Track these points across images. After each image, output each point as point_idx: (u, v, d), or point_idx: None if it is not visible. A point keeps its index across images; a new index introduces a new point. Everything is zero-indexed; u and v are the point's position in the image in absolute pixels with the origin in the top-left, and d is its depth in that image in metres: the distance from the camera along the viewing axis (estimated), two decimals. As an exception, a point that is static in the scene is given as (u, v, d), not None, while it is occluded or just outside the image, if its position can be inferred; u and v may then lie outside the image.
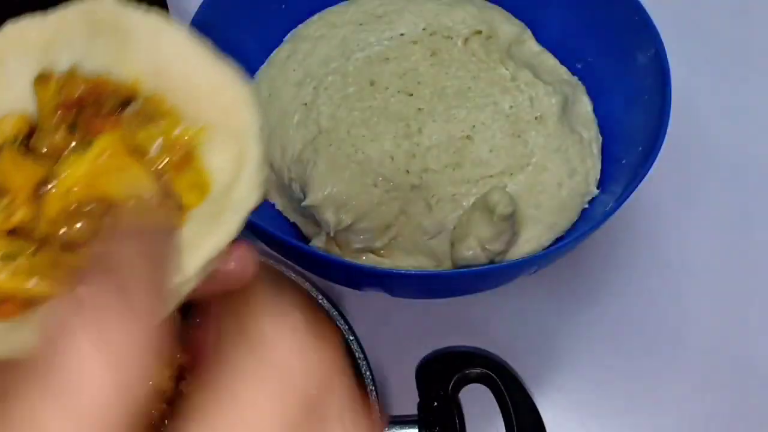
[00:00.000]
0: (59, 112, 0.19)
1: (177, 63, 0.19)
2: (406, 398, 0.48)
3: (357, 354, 0.47)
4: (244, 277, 0.23)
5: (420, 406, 0.47)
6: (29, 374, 0.19)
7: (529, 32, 0.60)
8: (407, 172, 0.52)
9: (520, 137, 0.54)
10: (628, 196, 0.48)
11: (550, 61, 0.59)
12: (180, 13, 0.61)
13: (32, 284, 0.18)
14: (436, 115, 0.54)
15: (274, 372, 0.23)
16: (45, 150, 0.19)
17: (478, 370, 0.47)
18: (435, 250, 0.52)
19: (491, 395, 0.47)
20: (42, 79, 0.19)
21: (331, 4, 0.61)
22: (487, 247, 0.49)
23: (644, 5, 0.54)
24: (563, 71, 0.59)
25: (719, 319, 0.59)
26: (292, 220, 0.56)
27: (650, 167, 0.48)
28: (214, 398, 0.22)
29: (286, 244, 0.47)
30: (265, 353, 0.23)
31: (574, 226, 0.54)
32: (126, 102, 0.19)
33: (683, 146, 0.63)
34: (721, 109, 0.66)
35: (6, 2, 0.68)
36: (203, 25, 0.54)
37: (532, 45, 0.59)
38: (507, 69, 0.56)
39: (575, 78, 0.59)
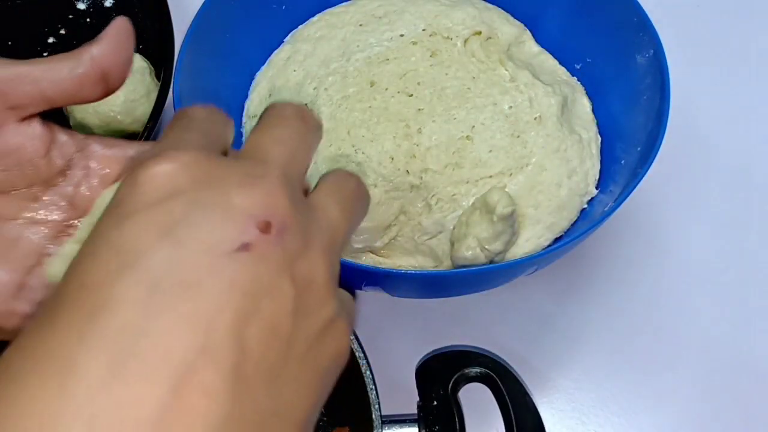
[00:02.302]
0: None
1: None
2: (406, 398, 0.48)
3: (357, 354, 0.47)
4: None
5: (420, 406, 0.47)
6: None
7: (528, 33, 0.60)
8: (407, 172, 0.52)
9: (519, 137, 0.54)
10: (627, 197, 0.48)
11: (549, 61, 0.59)
12: (180, 14, 0.61)
13: None
14: (435, 115, 0.54)
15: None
16: None
17: (478, 370, 0.47)
18: (435, 250, 0.52)
19: (491, 395, 0.47)
20: None
21: (331, 5, 0.61)
22: (486, 247, 0.49)
23: (643, 6, 0.54)
24: (562, 72, 0.59)
25: (719, 319, 0.59)
26: (292, 221, 0.56)
27: (649, 167, 0.48)
28: None
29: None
30: None
31: (574, 226, 0.54)
32: None
33: (682, 146, 0.63)
34: (719, 110, 0.67)
35: (6, 3, 0.68)
36: (204, 25, 0.54)
37: (531, 46, 0.60)
38: (506, 70, 0.56)
39: (574, 78, 0.59)
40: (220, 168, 0.24)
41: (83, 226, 0.31)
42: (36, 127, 0.30)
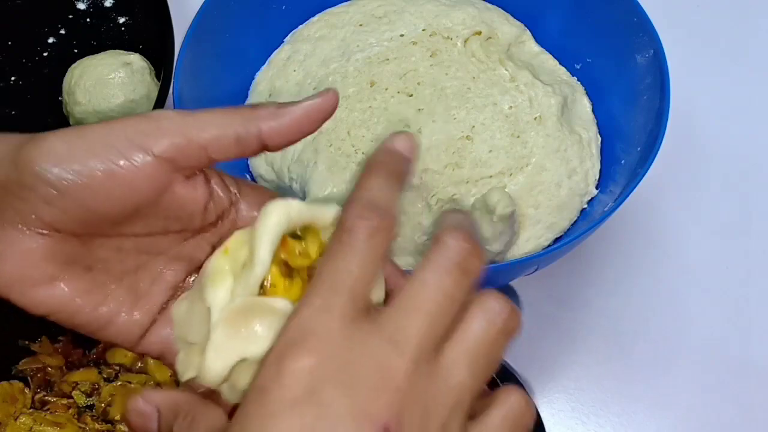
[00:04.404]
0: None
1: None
2: (406, 398, 0.48)
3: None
4: None
5: (420, 406, 0.47)
6: None
7: (528, 33, 0.60)
8: (407, 172, 0.52)
9: (519, 137, 0.54)
10: (627, 196, 0.48)
11: (549, 61, 0.59)
12: (181, 14, 0.61)
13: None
14: (435, 115, 0.54)
15: None
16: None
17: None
18: (435, 250, 0.52)
19: (491, 395, 0.47)
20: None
21: (331, 5, 0.61)
22: (486, 247, 0.49)
23: (643, 6, 0.54)
24: (562, 72, 0.59)
25: (719, 319, 0.59)
26: (292, 221, 0.56)
27: (649, 167, 0.48)
28: None
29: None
30: None
31: (574, 226, 0.54)
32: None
33: (682, 146, 0.63)
34: (719, 110, 0.67)
35: (6, 2, 0.68)
36: (204, 26, 0.54)
37: (531, 46, 0.60)
38: (506, 70, 0.56)
39: (574, 78, 0.59)
40: (355, 358, 0.25)
41: (195, 284, 0.32)
42: (199, 187, 0.32)
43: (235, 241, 0.31)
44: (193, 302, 0.31)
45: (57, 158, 0.29)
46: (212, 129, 0.30)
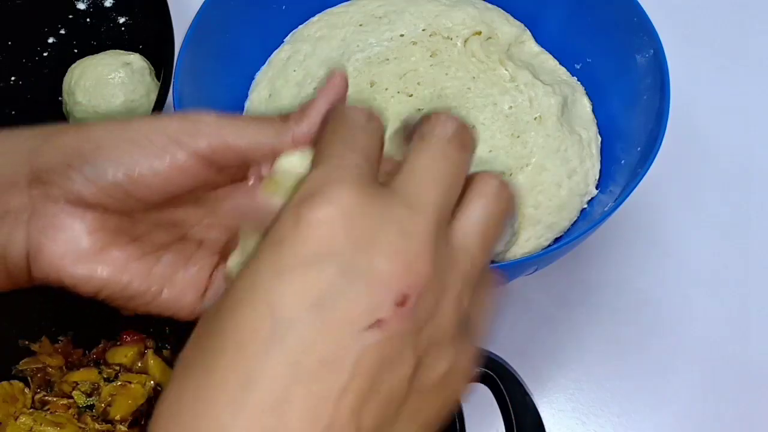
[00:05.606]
0: None
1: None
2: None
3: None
4: None
5: (420, 406, 0.47)
6: None
7: (528, 33, 0.60)
8: (407, 172, 0.52)
9: (519, 138, 0.54)
10: (627, 197, 0.48)
11: (549, 61, 0.59)
12: (180, 14, 0.61)
13: None
14: (435, 115, 0.54)
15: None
16: None
17: (478, 370, 0.47)
18: (435, 250, 0.52)
19: (491, 395, 0.47)
20: None
21: (331, 5, 0.61)
22: (486, 247, 0.49)
23: (643, 6, 0.54)
24: (562, 72, 0.59)
25: (719, 319, 0.59)
26: (292, 221, 0.56)
27: (649, 167, 0.48)
28: None
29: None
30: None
31: (574, 226, 0.54)
32: None
33: (682, 146, 0.63)
34: (719, 110, 0.67)
35: (6, 2, 0.68)
36: (204, 26, 0.54)
37: (531, 46, 0.60)
38: (506, 70, 0.56)
39: (574, 78, 0.59)
40: (375, 218, 0.25)
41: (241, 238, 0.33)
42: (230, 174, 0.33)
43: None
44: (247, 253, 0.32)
45: (101, 148, 0.30)
46: (249, 137, 0.31)
